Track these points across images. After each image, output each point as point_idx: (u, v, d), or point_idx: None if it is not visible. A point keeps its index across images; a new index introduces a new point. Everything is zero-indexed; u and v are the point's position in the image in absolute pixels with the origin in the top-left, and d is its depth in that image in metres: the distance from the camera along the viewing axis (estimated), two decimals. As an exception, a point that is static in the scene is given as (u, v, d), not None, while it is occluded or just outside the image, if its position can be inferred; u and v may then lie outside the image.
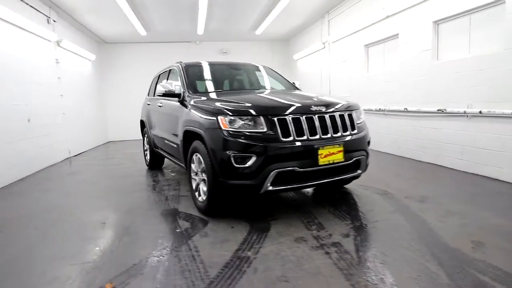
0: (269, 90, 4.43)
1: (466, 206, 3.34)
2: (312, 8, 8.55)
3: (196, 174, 3.49)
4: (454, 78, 4.79)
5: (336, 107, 3.22)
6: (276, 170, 2.82)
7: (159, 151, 5.26)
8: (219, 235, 2.83)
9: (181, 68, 4.32)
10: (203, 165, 3.18)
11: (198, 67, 4.49)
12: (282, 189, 2.97)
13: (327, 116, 3.10)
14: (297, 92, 4.22)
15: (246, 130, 2.88)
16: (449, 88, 4.86)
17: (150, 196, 4.20)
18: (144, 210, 3.62)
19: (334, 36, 8.44)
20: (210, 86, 4.32)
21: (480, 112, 4.32)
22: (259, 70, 4.88)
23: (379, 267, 2.20)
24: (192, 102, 3.58)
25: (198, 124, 3.21)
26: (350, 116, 3.30)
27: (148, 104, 5.59)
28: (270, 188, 2.88)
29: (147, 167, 6.09)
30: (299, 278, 2.10)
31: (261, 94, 3.77)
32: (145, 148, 6.17)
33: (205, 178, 3.16)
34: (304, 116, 2.99)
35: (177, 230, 2.99)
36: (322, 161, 2.94)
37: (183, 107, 3.77)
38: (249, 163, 2.82)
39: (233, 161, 2.84)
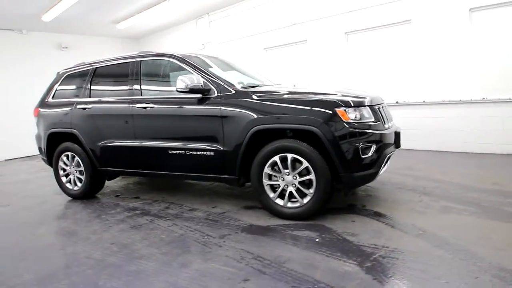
0: (279, 84, 4.37)
1: (441, 168, 4.57)
2: (188, 9, 8.33)
3: (270, 178, 3.09)
4: (366, 78, 6.19)
5: (381, 99, 3.69)
6: (388, 156, 3.02)
7: (118, 169, 3.98)
8: (362, 230, 2.73)
9: (185, 60, 3.53)
10: (305, 164, 2.88)
11: (197, 58, 3.76)
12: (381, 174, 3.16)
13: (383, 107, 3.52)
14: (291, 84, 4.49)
15: (363, 121, 2.90)
16: (363, 85, 6.22)
17: (185, 232, 3.20)
18: (232, 240, 2.81)
19: (221, 37, 8.60)
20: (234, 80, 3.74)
21: (397, 102, 5.87)
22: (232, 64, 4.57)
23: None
24: (256, 97, 3.11)
25: (304, 120, 2.87)
26: (384, 106, 3.85)
27: (84, 109, 4.02)
28: (380, 174, 3.04)
29: (71, 198, 4.33)
30: None
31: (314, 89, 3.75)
32: (64, 172, 4.33)
33: (311, 178, 2.88)
34: (380, 106, 3.30)
35: (317, 240, 2.62)
36: (400, 144, 3.36)
37: (227, 106, 3.17)
38: (371, 152, 2.87)
39: (360, 152, 2.80)
